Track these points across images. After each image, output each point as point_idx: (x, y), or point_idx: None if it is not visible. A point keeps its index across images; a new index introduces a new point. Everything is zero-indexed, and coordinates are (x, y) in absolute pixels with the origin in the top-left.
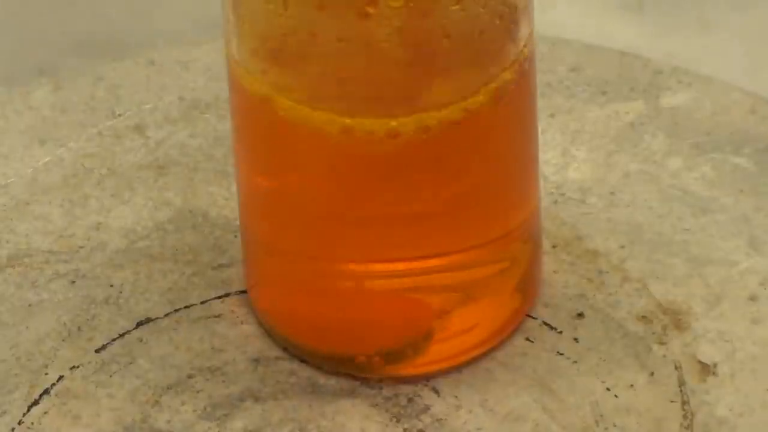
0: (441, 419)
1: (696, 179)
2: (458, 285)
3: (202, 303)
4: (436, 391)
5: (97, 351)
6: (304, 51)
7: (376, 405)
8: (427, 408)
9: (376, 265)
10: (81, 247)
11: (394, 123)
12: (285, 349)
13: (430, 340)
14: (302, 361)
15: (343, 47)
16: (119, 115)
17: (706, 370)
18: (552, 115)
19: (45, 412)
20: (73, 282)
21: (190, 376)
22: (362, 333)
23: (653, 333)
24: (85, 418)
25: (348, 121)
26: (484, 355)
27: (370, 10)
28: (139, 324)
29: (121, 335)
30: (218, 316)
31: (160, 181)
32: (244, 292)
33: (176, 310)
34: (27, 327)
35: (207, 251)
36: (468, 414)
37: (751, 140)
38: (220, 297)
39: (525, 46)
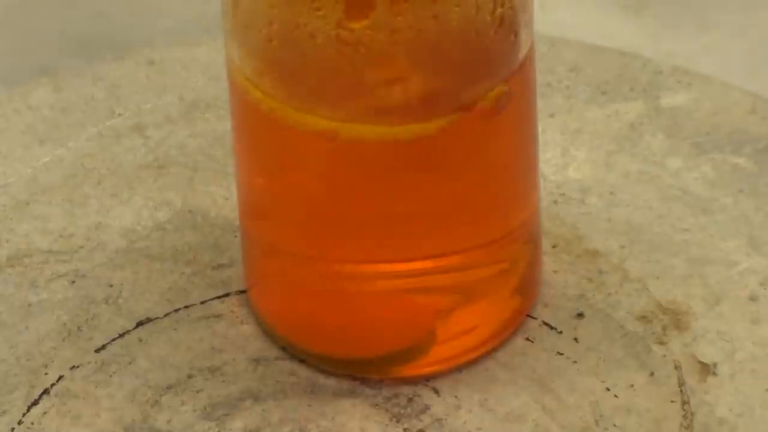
0: (441, 419)
1: (696, 179)
2: (458, 286)
3: (202, 303)
4: (436, 391)
5: (97, 351)
6: (302, 56)
7: (376, 405)
8: (427, 408)
9: (376, 265)
10: (81, 247)
11: (392, 129)
12: (285, 349)
13: (434, 341)
14: (302, 361)
15: (340, 51)
16: (119, 115)
17: (706, 370)
18: (552, 115)
19: (45, 412)
20: (73, 282)
21: (190, 376)
22: (362, 334)
23: (653, 333)
24: (85, 418)
25: (347, 126)
26: (484, 355)
27: (365, 20)
28: (139, 324)
29: (121, 335)
30: (218, 316)
31: (160, 181)
32: (243, 292)
33: (176, 310)
34: (27, 327)
35: (207, 251)
36: (468, 414)
37: (751, 140)
38: (220, 297)
39: (525, 46)
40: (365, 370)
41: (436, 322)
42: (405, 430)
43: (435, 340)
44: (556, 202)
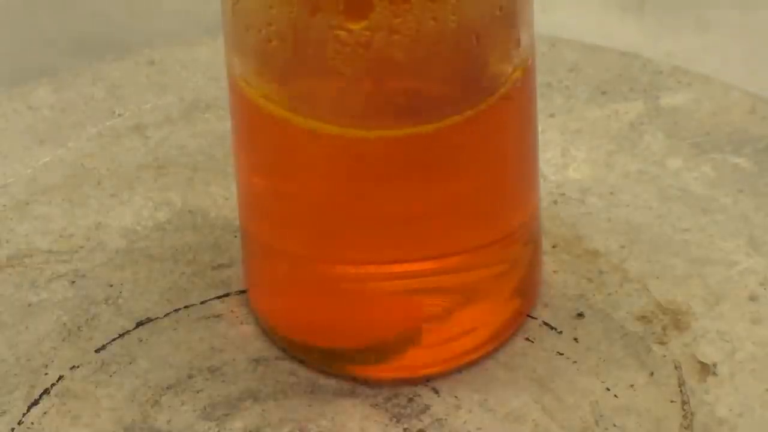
0: (441, 419)
1: (696, 179)
2: (458, 287)
3: (202, 303)
4: (436, 391)
5: (97, 351)
6: (300, 57)
7: (376, 405)
8: (427, 408)
9: (376, 266)
10: (81, 247)
11: (391, 130)
12: (285, 349)
13: (415, 342)
14: (302, 361)
15: (338, 52)
16: (119, 115)
17: (706, 370)
18: (552, 115)
19: (45, 412)
20: (73, 282)
21: (190, 376)
22: (361, 335)
23: (653, 333)
24: (85, 418)
25: (345, 127)
26: (484, 356)
27: (364, 21)
28: (139, 324)
29: (121, 335)
30: (218, 316)
31: (160, 181)
32: (244, 292)
33: (176, 310)
34: (27, 327)
35: (207, 251)
36: (468, 414)
37: (751, 140)
38: (220, 297)
39: (525, 47)
40: (364, 362)
41: (425, 324)
42: (405, 430)
43: (431, 341)
44: (556, 202)
